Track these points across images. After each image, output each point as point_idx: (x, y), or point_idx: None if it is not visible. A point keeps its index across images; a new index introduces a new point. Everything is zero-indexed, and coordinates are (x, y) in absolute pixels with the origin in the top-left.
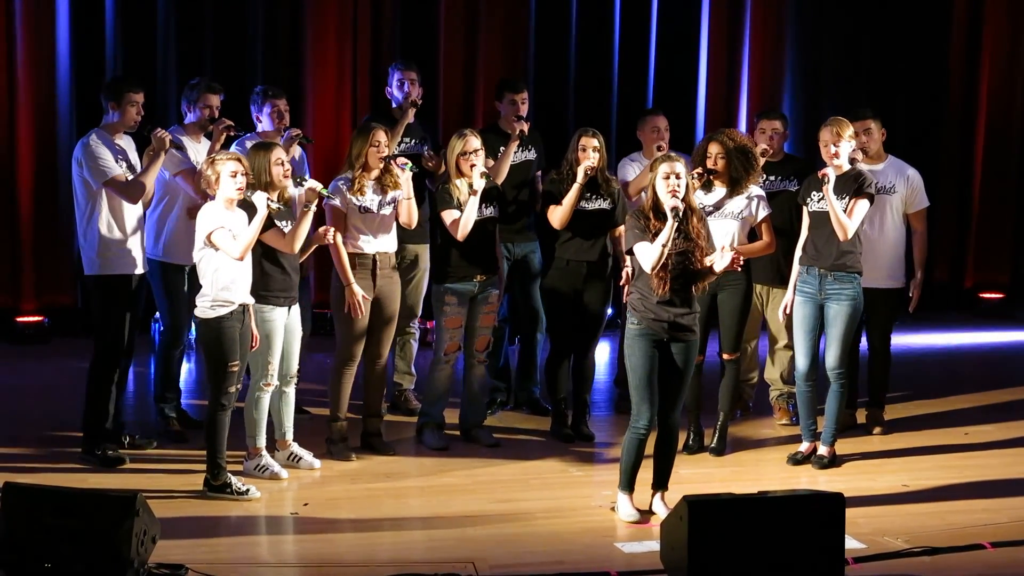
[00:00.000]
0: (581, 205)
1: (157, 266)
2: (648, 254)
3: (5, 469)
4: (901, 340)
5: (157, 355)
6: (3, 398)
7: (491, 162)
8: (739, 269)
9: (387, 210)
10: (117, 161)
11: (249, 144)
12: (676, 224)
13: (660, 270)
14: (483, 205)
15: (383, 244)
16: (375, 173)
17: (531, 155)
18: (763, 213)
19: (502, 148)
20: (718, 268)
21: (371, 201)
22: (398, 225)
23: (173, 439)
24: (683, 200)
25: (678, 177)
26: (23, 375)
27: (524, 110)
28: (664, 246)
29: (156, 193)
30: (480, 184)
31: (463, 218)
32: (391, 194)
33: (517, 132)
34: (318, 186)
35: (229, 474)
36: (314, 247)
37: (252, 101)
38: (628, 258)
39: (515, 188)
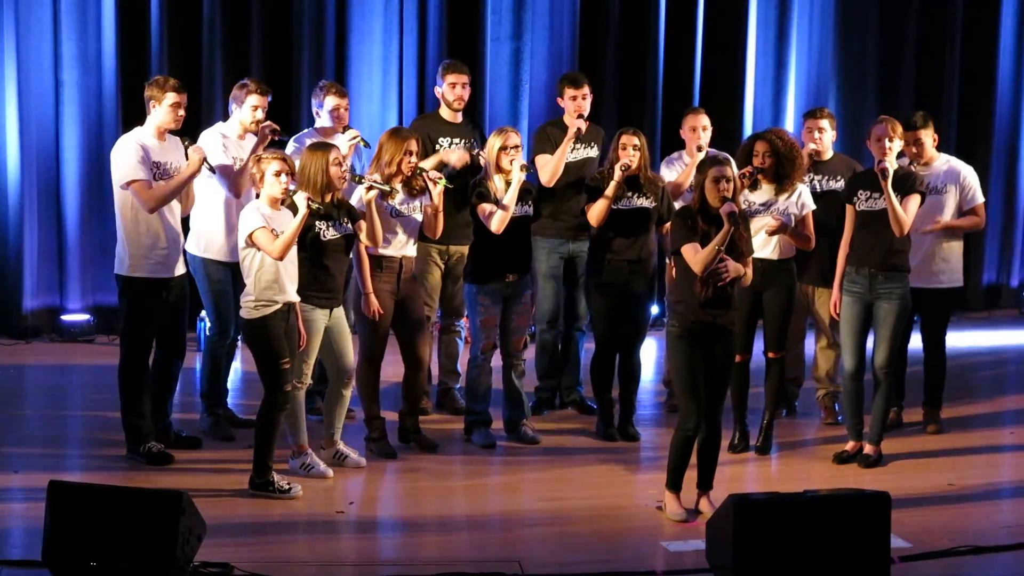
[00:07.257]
0: (622, 204)
1: (200, 262)
2: (698, 257)
3: (51, 467)
4: (947, 339)
5: (204, 353)
6: (49, 396)
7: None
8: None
9: (416, 215)
10: (145, 165)
11: (308, 141)
12: (732, 229)
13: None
14: (518, 203)
15: (410, 248)
16: (403, 178)
17: (592, 152)
18: (806, 209)
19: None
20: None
21: (402, 204)
22: (446, 226)
23: (219, 438)
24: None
25: (728, 180)
26: (69, 373)
27: (585, 106)
28: (719, 249)
29: (196, 191)
30: (519, 176)
31: (500, 212)
32: (418, 199)
33: (574, 129)
34: (376, 179)
35: (274, 472)
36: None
37: (314, 95)
38: (672, 259)
39: (572, 186)
